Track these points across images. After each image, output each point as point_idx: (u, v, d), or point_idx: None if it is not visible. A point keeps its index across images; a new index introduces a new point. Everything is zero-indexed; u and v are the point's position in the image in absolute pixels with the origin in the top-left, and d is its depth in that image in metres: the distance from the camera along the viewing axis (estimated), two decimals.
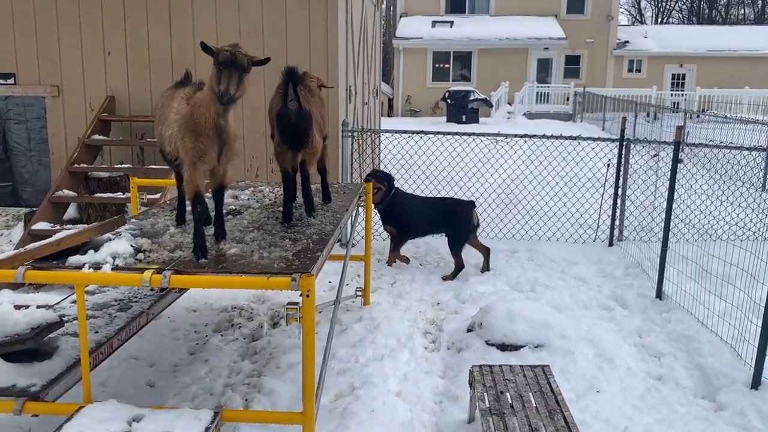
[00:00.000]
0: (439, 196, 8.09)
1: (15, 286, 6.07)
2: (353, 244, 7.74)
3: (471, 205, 7.27)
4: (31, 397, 3.14)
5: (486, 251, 7.21)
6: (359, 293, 6.01)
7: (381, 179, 7.04)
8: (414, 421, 3.98)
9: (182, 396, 4.26)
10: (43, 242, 3.15)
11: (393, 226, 7.18)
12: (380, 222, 7.42)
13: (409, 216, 7.13)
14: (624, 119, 8.50)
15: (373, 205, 6.46)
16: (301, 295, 3.01)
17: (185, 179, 3.53)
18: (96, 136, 7.56)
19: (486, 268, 7.13)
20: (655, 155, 9.56)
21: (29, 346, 3.43)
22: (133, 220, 4.17)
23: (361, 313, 5.75)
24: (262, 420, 3.51)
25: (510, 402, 3.44)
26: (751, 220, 8.18)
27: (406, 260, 7.32)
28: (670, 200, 6.10)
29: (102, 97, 7.86)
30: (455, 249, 7.05)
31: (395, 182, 7.27)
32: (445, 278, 6.86)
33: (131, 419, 2.98)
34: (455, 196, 8.58)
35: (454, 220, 7.12)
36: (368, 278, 6.08)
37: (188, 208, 4.06)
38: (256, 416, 3.59)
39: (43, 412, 3.20)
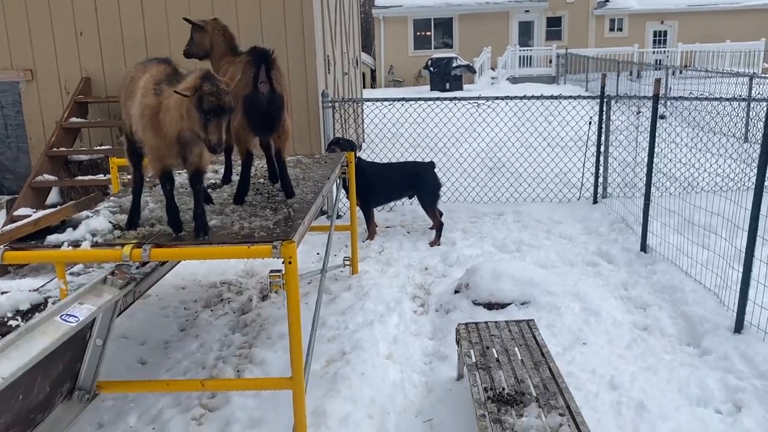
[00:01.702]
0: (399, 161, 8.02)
1: (2, 272, 6.06)
2: (339, 215, 7.76)
3: (432, 165, 7.28)
4: None
5: (439, 225, 7.06)
6: (347, 262, 6.04)
7: (344, 148, 6.68)
8: (404, 382, 4.03)
9: (174, 371, 4.29)
10: (20, 223, 3.13)
11: (357, 197, 6.62)
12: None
13: (372, 184, 6.89)
14: (604, 76, 8.48)
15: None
16: (283, 262, 3.02)
17: (149, 165, 3.28)
18: (73, 119, 7.47)
19: (437, 242, 6.95)
20: (638, 112, 9.58)
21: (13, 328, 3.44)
22: (112, 197, 4.14)
23: (350, 282, 5.78)
24: (253, 387, 3.55)
25: (496, 356, 3.48)
26: (732, 171, 8.24)
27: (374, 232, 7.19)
28: (651, 154, 6.12)
29: (77, 79, 7.75)
30: (429, 208, 7.08)
31: (360, 151, 7.21)
32: (431, 244, 6.89)
33: None
34: (440, 165, 8.59)
35: (420, 180, 7.08)
36: (355, 247, 6.10)
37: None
38: (247, 384, 3.62)
39: None
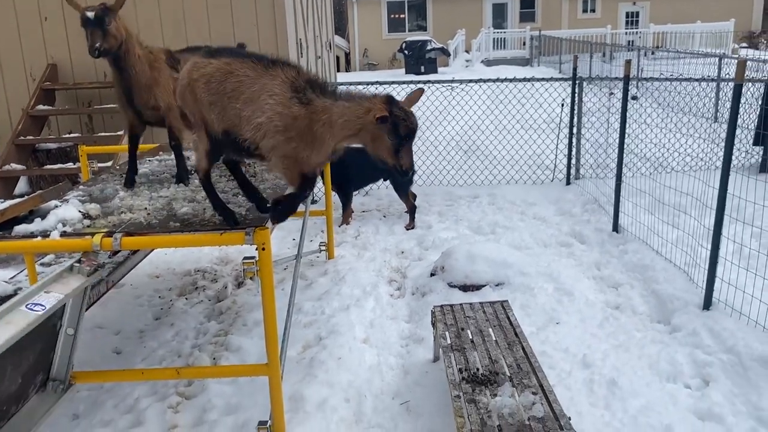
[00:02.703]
0: None
1: None
2: (314, 200, 7.74)
3: None
4: None
5: (412, 208, 7.05)
6: (323, 248, 6.04)
7: None
8: (381, 365, 4.06)
9: (150, 360, 4.26)
10: None
11: (333, 183, 6.46)
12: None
13: (349, 168, 6.59)
14: (575, 57, 8.53)
15: None
16: (257, 249, 3.01)
17: (285, 170, 2.98)
18: (40, 107, 7.31)
19: (411, 225, 6.96)
20: (611, 93, 9.66)
21: None
22: (81, 186, 4.08)
23: (326, 267, 5.78)
24: (228, 374, 3.55)
25: (471, 338, 3.52)
26: (702, 150, 8.37)
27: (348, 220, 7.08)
28: (622, 135, 6.19)
29: (43, 66, 7.57)
30: (401, 192, 7.05)
31: None
32: (407, 227, 6.91)
33: None
34: (415, 148, 8.57)
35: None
36: (331, 232, 6.09)
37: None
38: (223, 371, 3.62)
39: None
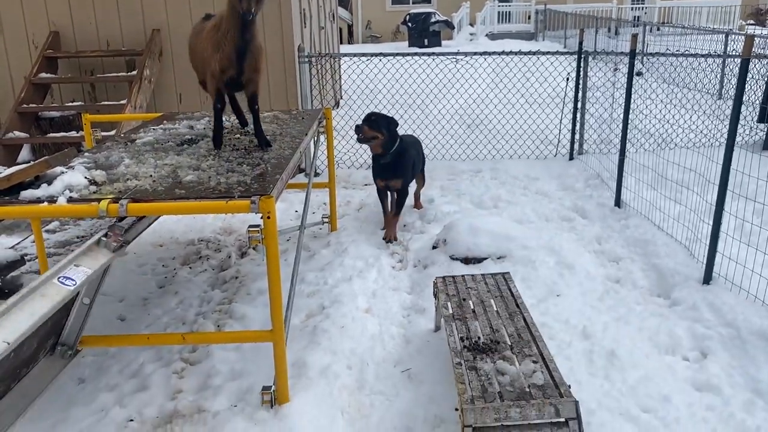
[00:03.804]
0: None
1: None
2: (317, 173, 7.74)
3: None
4: None
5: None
6: (326, 220, 6.06)
7: (376, 125, 5.65)
8: (383, 334, 4.11)
9: (154, 327, 4.31)
10: None
11: (398, 179, 5.83)
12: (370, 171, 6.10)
13: (411, 163, 5.99)
14: (582, 31, 8.45)
15: (372, 160, 5.82)
16: (262, 217, 3.03)
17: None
18: (43, 74, 7.27)
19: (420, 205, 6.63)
20: (616, 69, 9.61)
21: None
22: (86, 153, 4.08)
23: (329, 239, 5.80)
24: (233, 340, 3.59)
25: (472, 308, 3.56)
26: (706, 127, 8.35)
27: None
28: (627, 109, 6.17)
29: (45, 33, 7.51)
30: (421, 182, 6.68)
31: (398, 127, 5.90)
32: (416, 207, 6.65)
33: None
34: (419, 122, 8.56)
35: (421, 152, 6.59)
36: (334, 204, 6.10)
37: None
38: (227, 337, 3.67)
39: None
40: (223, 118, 4.83)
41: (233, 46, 3.84)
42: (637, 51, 6.21)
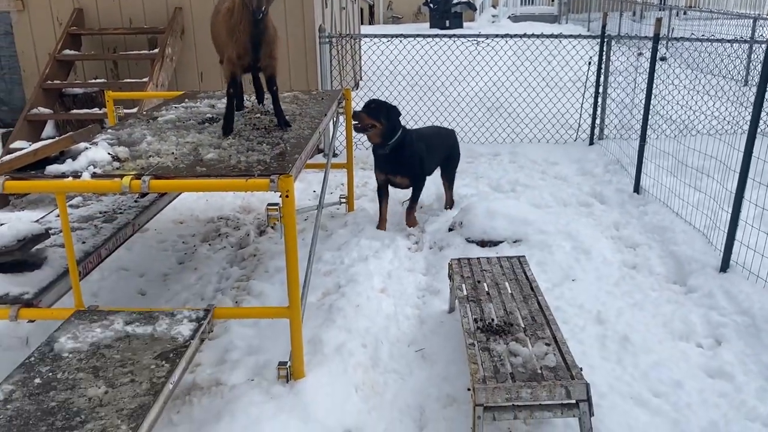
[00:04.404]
0: (428, 126, 6.89)
1: (1, 204, 6.11)
2: (335, 153, 7.77)
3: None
4: (24, 304, 3.25)
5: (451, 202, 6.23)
6: (343, 200, 6.10)
7: (375, 113, 5.28)
8: (398, 314, 4.16)
9: (174, 302, 4.40)
10: (19, 153, 3.15)
11: (406, 176, 5.54)
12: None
13: (422, 159, 5.59)
14: (605, 14, 8.35)
15: (372, 149, 5.52)
16: (281, 195, 3.07)
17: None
18: (67, 51, 7.36)
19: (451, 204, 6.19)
20: (639, 54, 9.48)
21: (17, 257, 3.52)
22: (109, 130, 4.15)
23: (346, 219, 5.85)
24: (251, 315, 3.66)
25: (487, 290, 3.59)
26: (730, 114, 8.23)
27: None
28: (649, 95, 6.11)
29: (69, 10, 7.58)
30: (452, 181, 6.22)
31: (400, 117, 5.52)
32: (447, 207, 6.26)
33: (126, 321, 3.10)
34: (438, 104, 8.53)
35: (453, 148, 6.13)
36: (351, 185, 6.14)
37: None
38: (246, 312, 3.74)
39: (38, 317, 3.32)
40: (244, 97, 4.90)
41: (247, 37, 3.86)
42: (661, 36, 6.12)
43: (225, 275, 4.81)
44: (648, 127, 6.26)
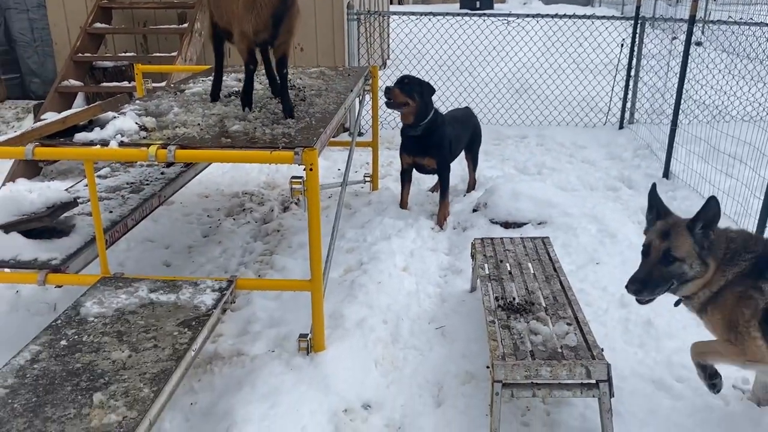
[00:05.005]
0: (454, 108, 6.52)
1: (31, 174, 6.22)
2: (361, 132, 7.75)
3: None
4: (52, 270, 3.31)
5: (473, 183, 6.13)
6: (367, 179, 6.09)
7: (408, 90, 5.03)
8: (419, 292, 4.16)
9: (198, 274, 4.45)
10: (48, 120, 3.20)
11: (434, 158, 5.27)
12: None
13: (450, 142, 5.38)
14: None
15: (400, 132, 5.30)
16: (305, 169, 3.07)
17: None
18: (98, 24, 7.42)
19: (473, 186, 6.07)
20: (674, 38, 9.26)
21: (46, 224, 3.58)
22: (137, 101, 4.19)
23: (370, 198, 5.85)
24: (273, 287, 3.69)
25: (509, 269, 3.57)
26: (766, 100, 8.01)
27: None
28: (683, 78, 5.97)
29: None
30: (476, 161, 6.08)
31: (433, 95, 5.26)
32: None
33: (150, 288, 3.15)
34: (465, 84, 8.45)
35: (477, 130, 5.99)
36: (376, 164, 6.13)
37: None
38: (268, 284, 3.77)
39: (65, 283, 3.38)
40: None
41: (272, 11, 3.48)
42: (697, 18, 5.97)
43: (248, 249, 4.85)
44: (680, 111, 6.13)
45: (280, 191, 6.06)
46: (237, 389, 3.08)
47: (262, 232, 5.18)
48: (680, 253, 2.66)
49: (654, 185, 3.03)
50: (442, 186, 5.38)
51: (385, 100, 5.11)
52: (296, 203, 5.69)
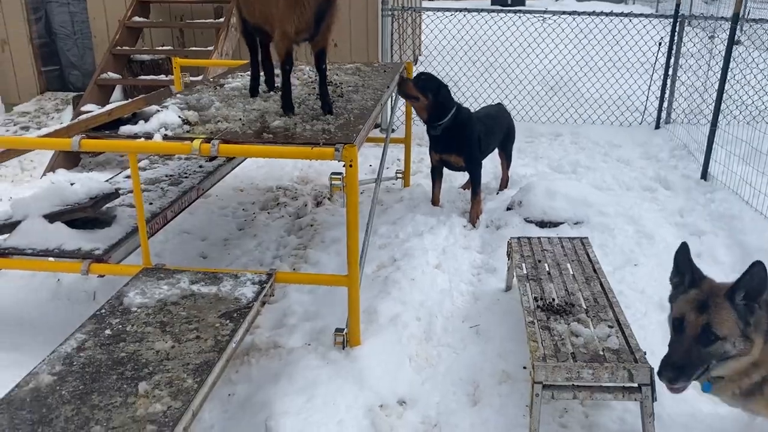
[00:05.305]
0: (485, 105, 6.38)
1: (70, 165, 6.35)
2: (393, 129, 7.74)
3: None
4: (95, 259, 3.38)
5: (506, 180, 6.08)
6: (399, 175, 6.09)
7: (421, 86, 5.04)
8: (452, 290, 4.15)
9: (234, 266, 4.50)
10: (94, 113, 3.25)
11: (460, 155, 5.26)
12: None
13: (479, 139, 5.31)
14: None
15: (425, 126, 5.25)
16: (344, 165, 3.08)
17: None
18: (136, 18, 7.53)
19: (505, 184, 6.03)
20: (712, 36, 9.08)
21: (89, 214, 3.65)
22: (178, 95, 4.24)
23: (402, 194, 5.85)
24: (311, 281, 3.71)
25: (547, 270, 3.54)
26: None
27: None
28: (724, 77, 5.85)
29: None
30: (507, 158, 5.99)
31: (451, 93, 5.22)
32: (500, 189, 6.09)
33: (191, 280, 3.19)
34: (499, 81, 8.40)
35: (510, 127, 5.92)
36: (408, 160, 6.13)
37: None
38: (305, 278, 3.79)
39: (108, 272, 3.44)
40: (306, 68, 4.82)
41: (315, 9, 3.43)
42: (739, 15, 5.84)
43: (283, 243, 4.88)
44: (719, 111, 6.01)
45: (313, 186, 6.09)
46: (274, 381, 3.11)
47: (296, 227, 5.21)
48: (723, 330, 2.26)
49: (684, 245, 2.58)
50: (474, 183, 5.35)
51: (399, 88, 5.12)
52: (329, 199, 5.72)
